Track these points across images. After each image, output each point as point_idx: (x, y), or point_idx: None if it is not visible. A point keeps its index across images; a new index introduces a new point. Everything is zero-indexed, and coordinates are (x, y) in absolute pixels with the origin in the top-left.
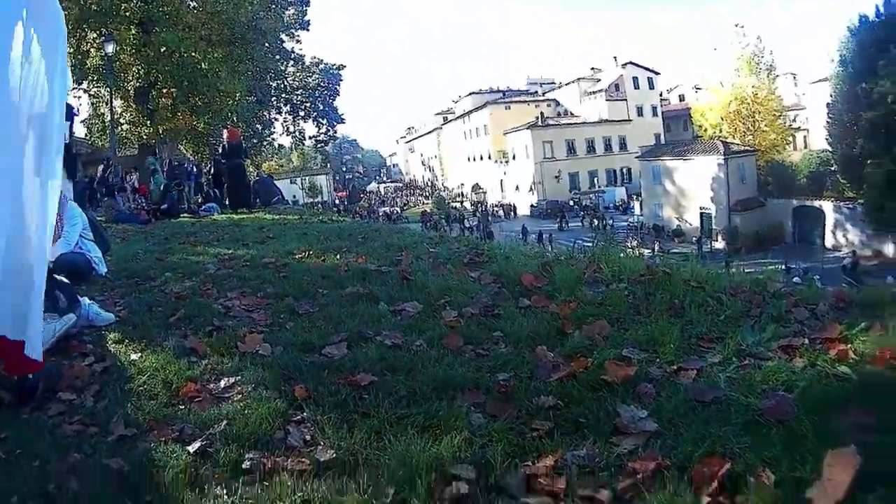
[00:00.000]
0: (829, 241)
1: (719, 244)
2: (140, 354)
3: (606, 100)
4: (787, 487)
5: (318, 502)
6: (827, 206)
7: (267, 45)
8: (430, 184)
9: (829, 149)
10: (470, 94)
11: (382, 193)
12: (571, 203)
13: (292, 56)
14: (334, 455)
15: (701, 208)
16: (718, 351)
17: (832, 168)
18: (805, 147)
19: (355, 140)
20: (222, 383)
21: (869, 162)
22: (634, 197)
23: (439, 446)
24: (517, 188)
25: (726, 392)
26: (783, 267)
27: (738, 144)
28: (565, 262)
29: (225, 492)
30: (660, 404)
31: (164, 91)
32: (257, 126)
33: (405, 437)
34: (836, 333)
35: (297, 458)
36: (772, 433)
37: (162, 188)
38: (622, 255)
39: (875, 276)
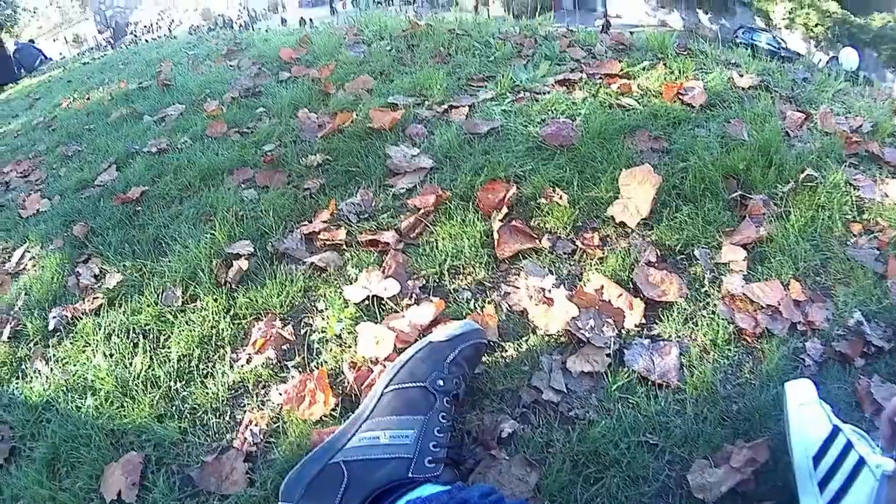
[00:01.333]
0: (612, 10)
1: (494, 10)
2: None
3: None
4: (584, 206)
5: (118, 332)
6: None
7: None
8: None
9: None
10: None
11: (147, 21)
12: None
13: None
14: (122, 278)
15: None
16: (490, 89)
17: None
18: None
19: None
20: (15, 257)
21: None
22: None
23: (214, 232)
24: None
25: (503, 123)
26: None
27: None
28: (324, 31)
29: (44, 362)
30: (432, 142)
31: None
32: None
33: (181, 234)
34: (616, 69)
35: (92, 296)
36: (557, 157)
37: None
38: (384, 15)
39: None
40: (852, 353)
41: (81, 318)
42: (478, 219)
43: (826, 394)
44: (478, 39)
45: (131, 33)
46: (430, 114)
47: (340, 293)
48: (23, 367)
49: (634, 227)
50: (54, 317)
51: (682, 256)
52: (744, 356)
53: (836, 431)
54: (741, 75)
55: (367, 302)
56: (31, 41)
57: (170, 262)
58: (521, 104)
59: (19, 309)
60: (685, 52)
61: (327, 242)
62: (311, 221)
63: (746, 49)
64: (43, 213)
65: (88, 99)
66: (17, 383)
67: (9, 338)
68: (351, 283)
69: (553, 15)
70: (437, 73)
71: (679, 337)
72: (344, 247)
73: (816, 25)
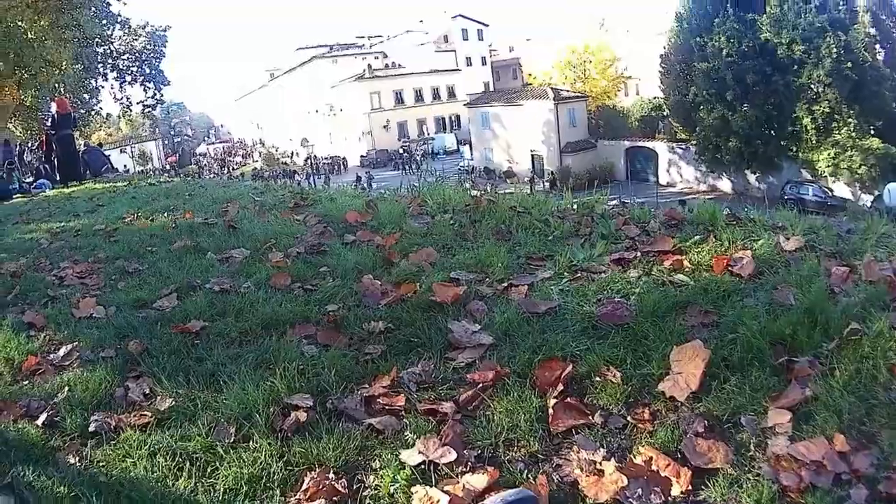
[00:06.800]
0: (663, 179)
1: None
2: None
3: (435, 51)
4: (636, 383)
5: (164, 452)
6: (660, 147)
7: (94, 9)
8: (259, 141)
9: (662, 95)
10: (297, 49)
11: (212, 155)
12: (401, 151)
13: (118, 20)
14: (173, 403)
15: (531, 151)
16: (549, 268)
17: (664, 113)
18: (637, 94)
19: (182, 103)
20: (62, 352)
21: (702, 107)
22: (464, 142)
23: (274, 380)
24: (346, 139)
25: (560, 303)
26: (618, 201)
27: (568, 91)
28: (390, 199)
29: (77, 458)
30: (492, 319)
31: None
32: (84, 95)
33: (239, 375)
34: (669, 246)
35: (139, 413)
36: (612, 336)
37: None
38: (448, 189)
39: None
40: None
41: (126, 430)
42: (534, 395)
43: None
44: (537, 217)
45: (196, 164)
46: (490, 291)
47: (397, 455)
48: (56, 456)
49: (684, 400)
50: (96, 420)
51: (730, 424)
52: None
53: None
54: (787, 238)
55: (422, 466)
56: (100, 145)
57: (225, 399)
58: (578, 284)
59: (60, 402)
60: (734, 222)
61: (386, 407)
62: (371, 385)
63: (794, 204)
64: (97, 320)
65: (152, 221)
66: (48, 469)
67: (44, 424)
68: (408, 448)
69: (608, 187)
70: (498, 251)
71: (724, 500)
72: (403, 413)
73: (860, 166)
